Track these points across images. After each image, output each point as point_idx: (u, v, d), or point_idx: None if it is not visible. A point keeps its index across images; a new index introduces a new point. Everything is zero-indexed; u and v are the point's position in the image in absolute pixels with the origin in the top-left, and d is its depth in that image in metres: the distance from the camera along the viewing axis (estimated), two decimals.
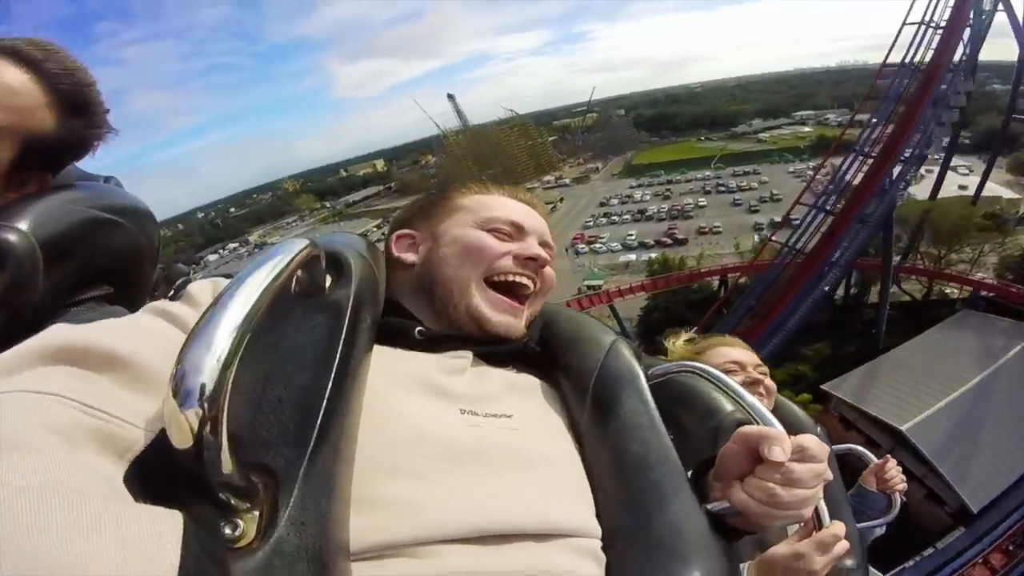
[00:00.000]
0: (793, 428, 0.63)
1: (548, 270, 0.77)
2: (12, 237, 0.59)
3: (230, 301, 0.34)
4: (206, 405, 0.31)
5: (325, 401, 0.43)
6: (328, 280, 0.53)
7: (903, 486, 1.52)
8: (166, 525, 0.28)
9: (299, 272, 0.49)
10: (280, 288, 0.38)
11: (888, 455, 1.63)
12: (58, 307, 0.64)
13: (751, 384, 1.31)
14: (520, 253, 0.73)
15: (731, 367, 1.31)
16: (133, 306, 0.78)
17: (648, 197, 57.26)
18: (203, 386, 0.31)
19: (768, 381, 1.35)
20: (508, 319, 0.71)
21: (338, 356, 0.47)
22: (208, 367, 0.31)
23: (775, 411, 0.78)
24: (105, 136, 0.74)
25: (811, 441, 0.56)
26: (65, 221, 0.66)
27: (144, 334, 0.44)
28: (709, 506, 0.60)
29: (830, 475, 0.59)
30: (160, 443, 0.34)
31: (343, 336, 0.48)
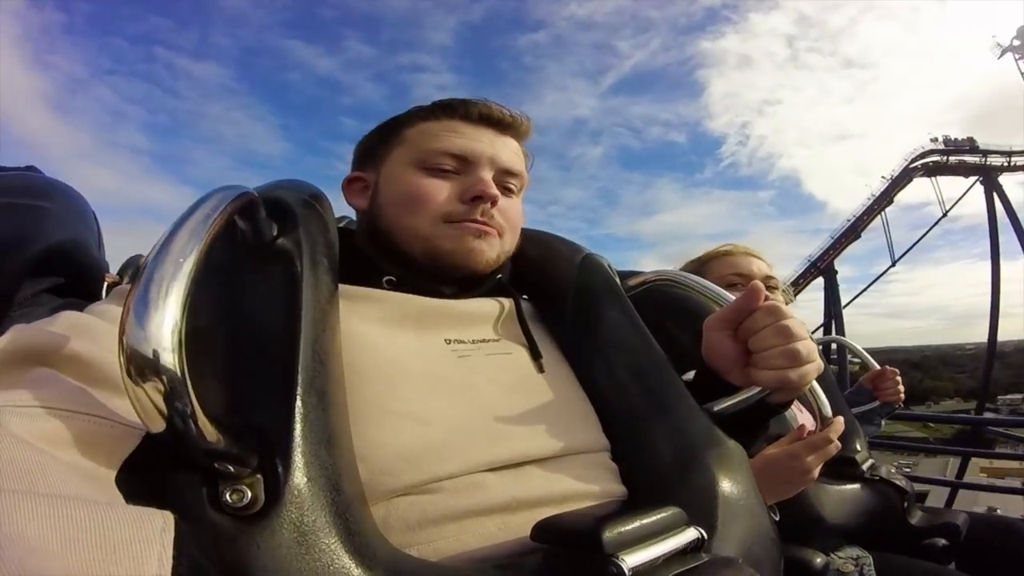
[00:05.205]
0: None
1: (507, 205, 0.65)
2: None
3: (161, 260, 0.31)
4: (164, 376, 0.28)
5: (300, 348, 0.41)
6: (275, 229, 0.50)
7: (901, 397, 1.52)
8: (155, 527, 0.27)
9: (241, 224, 0.46)
10: (215, 238, 0.35)
11: (888, 366, 1.55)
12: (6, 307, 0.60)
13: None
14: (464, 193, 0.62)
15: (733, 280, 1.21)
16: (88, 292, 0.74)
17: None
18: (155, 353, 0.28)
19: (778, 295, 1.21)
20: (473, 244, 0.62)
21: (303, 301, 0.44)
22: (153, 334, 0.28)
23: None
24: None
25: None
26: None
27: (110, 327, 0.41)
28: (711, 406, 0.60)
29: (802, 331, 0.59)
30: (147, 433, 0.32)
31: (303, 280, 0.46)
